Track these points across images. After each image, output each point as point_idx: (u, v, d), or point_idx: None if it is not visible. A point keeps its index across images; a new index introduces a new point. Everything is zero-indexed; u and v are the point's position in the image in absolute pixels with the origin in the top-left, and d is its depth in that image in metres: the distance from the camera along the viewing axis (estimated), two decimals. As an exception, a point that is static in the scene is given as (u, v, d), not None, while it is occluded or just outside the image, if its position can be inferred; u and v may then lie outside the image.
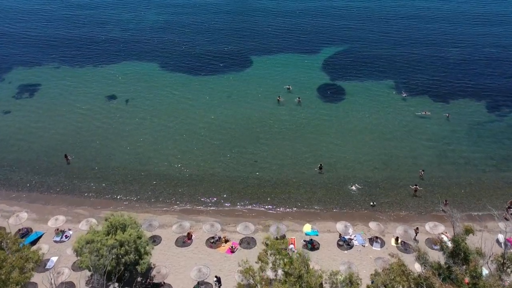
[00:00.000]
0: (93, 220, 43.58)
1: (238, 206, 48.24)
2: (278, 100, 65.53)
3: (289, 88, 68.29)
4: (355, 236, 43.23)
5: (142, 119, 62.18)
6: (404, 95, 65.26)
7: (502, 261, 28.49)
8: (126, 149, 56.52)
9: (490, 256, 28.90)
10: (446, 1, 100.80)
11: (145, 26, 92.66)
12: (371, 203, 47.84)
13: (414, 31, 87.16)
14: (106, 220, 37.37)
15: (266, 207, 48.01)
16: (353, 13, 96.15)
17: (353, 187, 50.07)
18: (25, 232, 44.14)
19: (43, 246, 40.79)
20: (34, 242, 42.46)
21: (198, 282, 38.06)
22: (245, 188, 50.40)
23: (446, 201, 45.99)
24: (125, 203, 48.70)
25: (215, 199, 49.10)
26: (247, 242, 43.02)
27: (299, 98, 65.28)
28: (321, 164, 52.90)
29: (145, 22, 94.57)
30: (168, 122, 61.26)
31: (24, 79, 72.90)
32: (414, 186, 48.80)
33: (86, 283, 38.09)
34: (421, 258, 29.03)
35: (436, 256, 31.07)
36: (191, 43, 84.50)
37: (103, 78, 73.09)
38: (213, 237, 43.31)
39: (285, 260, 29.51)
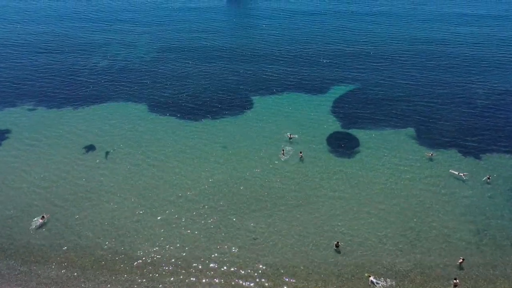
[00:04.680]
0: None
1: (233, 308, 38.59)
2: (282, 153, 56.25)
3: (290, 138, 59.16)
4: None
5: (121, 181, 52.55)
6: (430, 154, 55.43)
7: None
8: (100, 222, 46.94)
9: None
10: (467, 32, 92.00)
11: (135, 57, 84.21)
12: (399, 305, 38.15)
13: (432, 67, 78.31)
14: None
15: (268, 310, 38.33)
16: (367, 48, 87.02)
17: (375, 279, 40.32)
18: None
19: None
20: None
21: None
22: (243, 282, 40.62)
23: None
24: (91, 302, 39.09)
25: (204, 296, 39.49)
26: None
27: (301, 153, 55.90)
28: (338, 242, 43.51)
29: (136, 53, 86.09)
30: (152, 187, 51.52)
31: (-8, 124, 63.97)
32: (454, 281, 39.21)
33: None
34: None
35: None
36: (184, 79, 75.91)
37: (83, 122, 64.01)
38: None
39: None
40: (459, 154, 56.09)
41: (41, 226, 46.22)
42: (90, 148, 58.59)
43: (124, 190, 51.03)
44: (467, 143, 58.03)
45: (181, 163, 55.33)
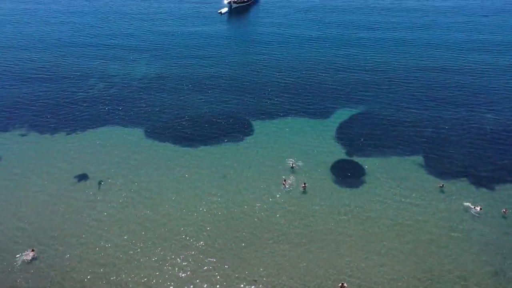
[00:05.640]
0: None
1: None
2: (283, 184, 53.23)
3: (292, 166, 56.32)
4: None
5: (113, 217, 49.30)
6: (441, 185, 52.45)
7: None
8: (88, 262, 43.65)
9: None
10: (474, 58, 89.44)
11: (132, 79, 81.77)
12: None
13: (440, 93, 75.49)
14: None
15: None
16: (370, 69, 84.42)
17: None
18: None
19: None
20: None
21: None
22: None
23: None
24: None
25: None
26: None
27: (304, 184, 52.86)
28: (343, 283, 40.24)
29: (133, 76, 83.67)
30: (145, 224, 48.25)
31: (-19, 152, 61.06)
32: None
33: None
34: None
35: None
36: (182, 105, 73.13)
37: (75, 150, 60.98)
38: None
39: None
40: (472, 185, 53.04)
41: (31, 260, 43.11)
42: (81, 177, 55.67)
43: (116, 227, 47.89)
44: (479, 173, 55.02)
45: (177, 196, 52.23)
